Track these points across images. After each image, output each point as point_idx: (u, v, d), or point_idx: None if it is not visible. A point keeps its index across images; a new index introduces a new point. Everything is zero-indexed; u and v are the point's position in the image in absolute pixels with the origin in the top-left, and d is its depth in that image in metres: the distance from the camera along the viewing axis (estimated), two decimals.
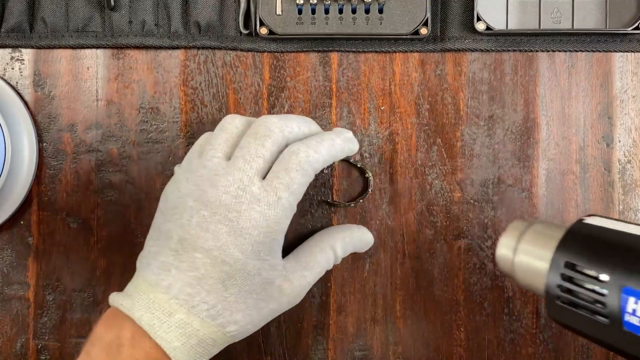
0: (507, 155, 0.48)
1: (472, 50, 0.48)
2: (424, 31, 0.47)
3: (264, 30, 0.47)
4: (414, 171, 0.48)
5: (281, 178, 0.40)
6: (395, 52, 0.48)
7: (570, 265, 0.34)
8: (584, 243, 0.35)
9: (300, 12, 0.47)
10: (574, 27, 0.47)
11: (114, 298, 0.41)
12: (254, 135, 0.41)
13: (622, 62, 0.48)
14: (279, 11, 0.47)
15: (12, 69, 0.50)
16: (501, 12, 0.47)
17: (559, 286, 0.35)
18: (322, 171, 0.48)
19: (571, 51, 0.48)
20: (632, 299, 0.32)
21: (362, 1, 0.47)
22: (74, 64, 0.50)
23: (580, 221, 0.36)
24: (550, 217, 0.48)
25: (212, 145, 0.42)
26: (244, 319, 0.40)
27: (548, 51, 0.48)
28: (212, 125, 0.49)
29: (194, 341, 0.39)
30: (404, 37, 0.47)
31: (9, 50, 0.49)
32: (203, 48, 0.49)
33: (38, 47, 0.49)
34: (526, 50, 0.48)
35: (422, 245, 0.48)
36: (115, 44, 0.49)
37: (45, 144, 0.50)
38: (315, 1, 0.47)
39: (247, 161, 0.40)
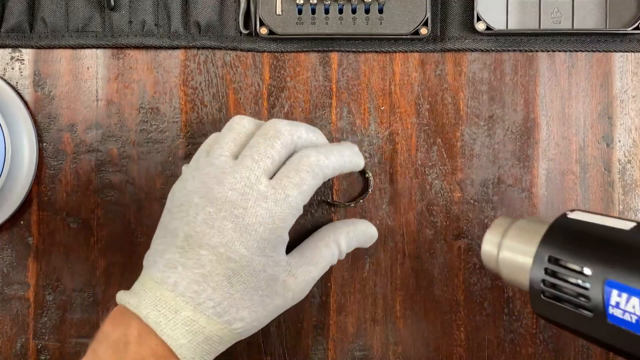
0: (507, 155, 0.48)
1: (472, 50, 0.48)
2: (424, 31, 0.47)
3: (264, 30, 0.47)
4: (414, 171, 0.48)
5: (291, 177, 0.41)
6: (395, 52, 0.48)
7: (554, 260, 0.35)
8: (567, 237, 0.35)
9: (300, 12, 0.47)
10: (574, 27, 0.47)
11: (121, 296, 0.41)
12: (264, 135, 0.41)
13: (622, 62, 0.48)
14: (279, 11, 0.47)
15: (12, 69, 0.50)
16: (501, 12, 0.47)
17: (543, 281, 0.35)
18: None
19: (571, 51, 0.48)
20: (615, 292, 0.32)
21: (362, 1, 0.47)
22: (74, 64, 0.49)
23: (563, 216, 0.37)
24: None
25: (220, 144, 0.42)
26: (250, 316, 0.40)
27: (548, 51, 0.48)
28: (212, 125, 0.49)
29: (201, 338, 0.39)
30: (404, 37, 0.47)
31: (9, 50, 0.49)
32: (203, 48, 0.49)
33: (38, 47, 0.49)
34: (526, 50, 0.48)
35: (422, 245, 0.48)
36: (115, 44, 0.49)
37: (45, 144, 0.50)
38: (315, 1, 0.47)
39: (256, 160, 0.41)
